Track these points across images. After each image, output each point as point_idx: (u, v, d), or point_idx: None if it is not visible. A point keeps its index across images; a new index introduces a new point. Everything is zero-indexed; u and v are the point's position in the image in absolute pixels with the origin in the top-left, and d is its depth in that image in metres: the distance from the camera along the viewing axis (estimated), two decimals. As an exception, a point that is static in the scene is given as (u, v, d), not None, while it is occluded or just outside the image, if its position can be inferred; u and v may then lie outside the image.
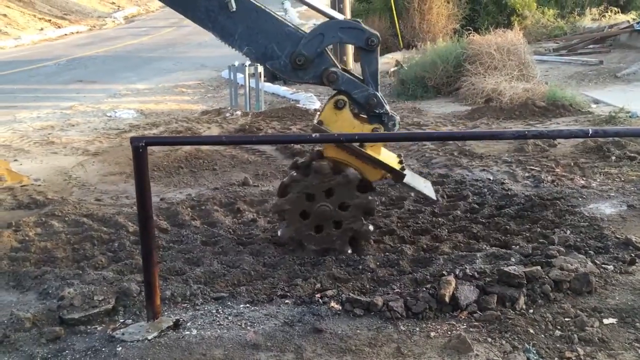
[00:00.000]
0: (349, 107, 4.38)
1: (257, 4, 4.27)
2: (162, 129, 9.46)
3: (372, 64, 4.37)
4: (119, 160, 7.58)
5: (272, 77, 13.95)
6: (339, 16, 4.54)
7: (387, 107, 4.43)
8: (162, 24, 29.11)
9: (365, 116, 4.45)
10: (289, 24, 4.36)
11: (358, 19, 4.48)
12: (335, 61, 4.42)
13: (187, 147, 7.70)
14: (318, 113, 4.59)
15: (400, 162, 4.67)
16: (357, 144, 4.34)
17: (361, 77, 4.39)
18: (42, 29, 26.04)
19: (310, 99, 11.82)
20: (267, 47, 4.29)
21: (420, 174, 6.52)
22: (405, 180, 4.50)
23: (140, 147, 3.20)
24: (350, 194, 4.41)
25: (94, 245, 4.80)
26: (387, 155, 4.68)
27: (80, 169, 7.30)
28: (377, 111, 4.38)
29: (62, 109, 11.39)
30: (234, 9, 4.17)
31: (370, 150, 4.39)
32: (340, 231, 4.47)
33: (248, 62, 11.17)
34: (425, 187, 4.81)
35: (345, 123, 4.37)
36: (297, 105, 11.30)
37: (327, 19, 4.43)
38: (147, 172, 3.29)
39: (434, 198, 4.84)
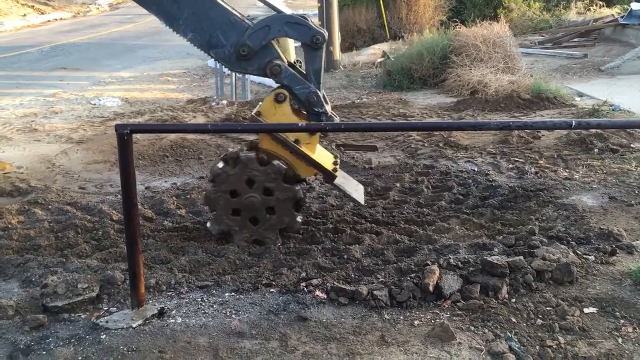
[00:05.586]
0: (290, 102, 4.40)
1: None
2: (147, 118, 9.39)
3: (316, 62, 4.37)
4: (103, 148, 7.51)
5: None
6: (287, 10, 4.53)
7: (328, 107, 4.44)
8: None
9: (305, 113, 4.47)
10: (235, 13, 4.32)
11: (305, 15, 4.44)
12: (282, 54, 4.40)
13: (173, 136, 7.66)
14: (259, 104, 4.60)
15: (335, 164, 4.72)
16: (293, 140, 4.39)
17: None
18: (25, 15, 25.65)
19: (296, 88, 11.78)
20: (212, 35, 4.26)
21: (406, 165, 6.56)
22: (336, 181, 4.58)
23: (125, 135, 3.18)
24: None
25: (78, 234, 4.76)
26: (323, 155, 4.74)
27: (64, 156, 7.23)
28: (316, 110, 4.39)
29: (45, 96, 11.26)
30: None
31: (305, 147, 4.43)
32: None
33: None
34: (356, 191, 4.88)
35: (284, 117, 4.41)
36: (283, 95, 11.25)
37: (275, 12, 4.40)
38: (132, 159, 3.27)
39: (362, 202, 4.89)
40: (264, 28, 4.23)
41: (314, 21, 4.38)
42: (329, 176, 4.54)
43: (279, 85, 4.43)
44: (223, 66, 11.06)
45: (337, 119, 4.54)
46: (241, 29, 4.23)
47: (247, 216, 4.48)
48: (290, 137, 4.41)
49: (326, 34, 4.32)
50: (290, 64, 4.48)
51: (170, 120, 9.10)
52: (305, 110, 4.44)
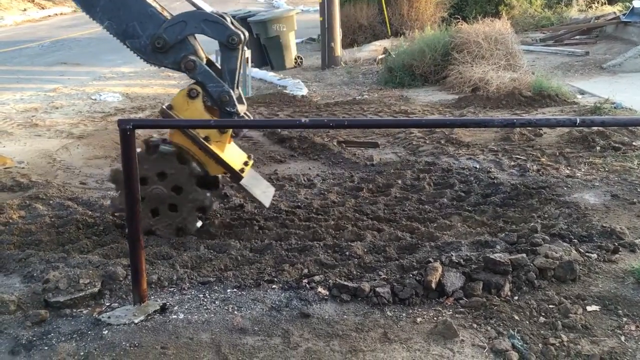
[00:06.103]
0: (202, 98, 4.40)
1: None
2: (147, 113, 9.38)
3: (232, 61, 4.39)
4: (104, 143, 7.50)
5: (260, 63, 13.89)
6: (206, 8, 4.51)
7: (240, 107, 4.46)
8: (148, 6, 28.70)
9: (218, 111, 4.48)
10: (153, 4, 4.33)
11: (224, 15, 4.44)
12: (200, 51, 4.40)
13: (174, 132, 7.63)
14: (172, 98, 4.60)
15: (245, 164, 4.71)
16: (203, 137, 4.39)
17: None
18: (25, 10, 25.59)
19: (297, 85, 11.77)
20: (129, 25, 4.27)
21: (407, 161, 6.55)
22: (244, 182, 4.59)
23: (127, 130, 3.17)
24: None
25: (79, 229, 4.76)
26: (234, 154, 4.73)
27: (65, 152, 7.22)
28: (227, 109, 4.41)
29: (45, 91, 11.24)
30: None
31: (215, 145, 4.43)
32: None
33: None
34: (263, 193, 4.87)
35: (195, 113, 4.40)
36: (285, 91, 11.25)
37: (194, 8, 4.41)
38: (134, 155, 3.26)
39: (266, 205, 4.86)
40: (181, 23, 4.25)
41: (234, 21, 4.41)
42: (236, 176, 4.56)
43: (193, 81, 4.44)
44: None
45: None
46: (158, 22, 4.25)
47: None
48: (201, 133, 4.42)
49: (243, 35, 4.33)
50: (208, 62, 4.49)
51: (171, 116, 9.08)
52: (219, 109, 4.45)
